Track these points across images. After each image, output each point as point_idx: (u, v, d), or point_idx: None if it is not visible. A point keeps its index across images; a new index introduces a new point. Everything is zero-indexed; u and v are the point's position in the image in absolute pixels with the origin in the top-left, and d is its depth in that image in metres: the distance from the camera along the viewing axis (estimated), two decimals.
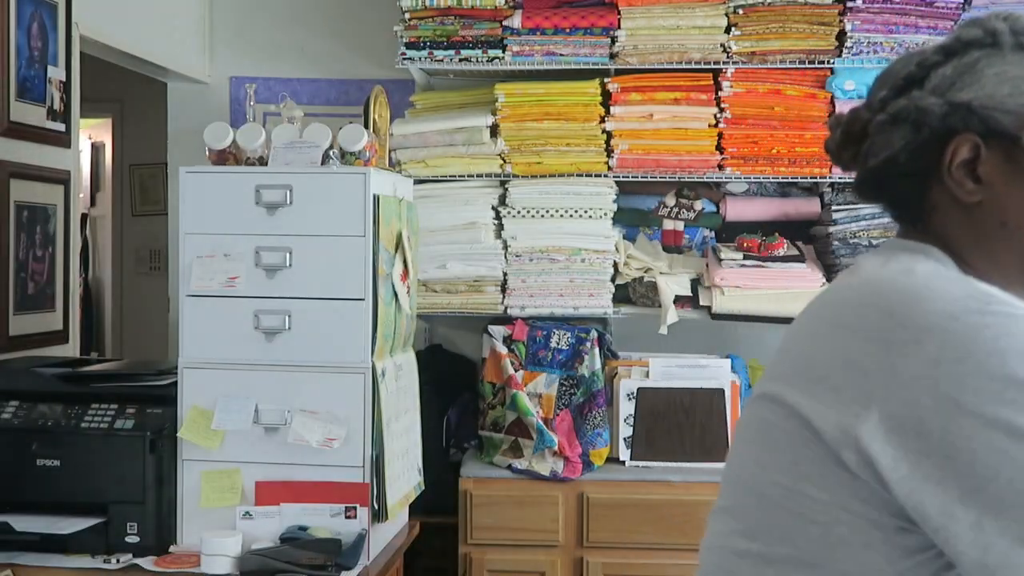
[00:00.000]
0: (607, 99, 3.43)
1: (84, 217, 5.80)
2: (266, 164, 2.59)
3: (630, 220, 3.62)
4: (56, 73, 3.13)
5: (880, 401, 0.89)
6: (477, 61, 3.48)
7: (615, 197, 3.48)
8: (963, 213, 1.01)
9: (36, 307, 3.06)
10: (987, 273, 1.01)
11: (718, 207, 3.64)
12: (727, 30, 3.37)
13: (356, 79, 3.94)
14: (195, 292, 2.55)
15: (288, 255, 2.52)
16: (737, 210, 3.63)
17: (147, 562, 2.42)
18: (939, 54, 1.02)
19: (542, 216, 3.45)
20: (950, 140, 1.00)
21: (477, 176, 3.51)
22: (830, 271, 3.43)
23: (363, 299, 2.52)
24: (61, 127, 3.16)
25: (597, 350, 3.36)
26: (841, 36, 3.36)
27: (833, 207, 3.43)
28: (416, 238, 2.94)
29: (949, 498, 0.86)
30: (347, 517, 2.48)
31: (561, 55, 3.44)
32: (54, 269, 3.16)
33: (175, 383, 2.55)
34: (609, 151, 3.45)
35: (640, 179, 3.49)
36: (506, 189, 3.50)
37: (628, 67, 3.42)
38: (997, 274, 1.01)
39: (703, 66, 3.39)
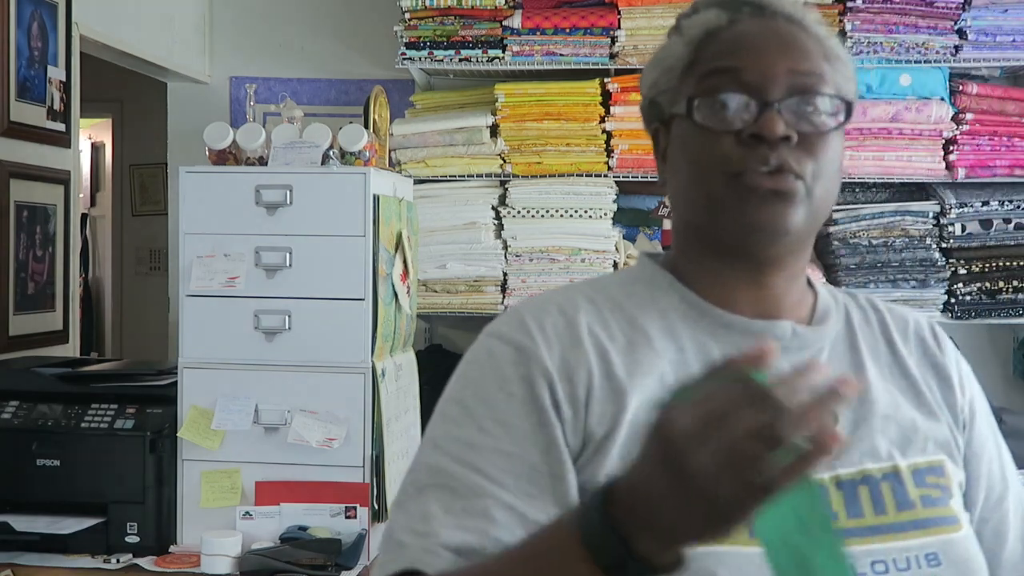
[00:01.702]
0: (607, 99, 3.43)
1: (84, 217, 5.80)
2: (266, 164, 2.59)
3: (630, 220, 3.62)
4: (56, 73, 3.13)
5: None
6: (477, 61, 3.48)
7: (615, 197, 3.48)
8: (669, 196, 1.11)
9: (36, 307, 3.06)
10: (685, 248, 1.07)
11: None
12: None
13: (356, 79, 3.93)
14: (195, 292, 2.55)
15: (288, 255, 2.52)
16: None
17: (147, 562, 2.42)
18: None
19: (542, 216, 3.45)
20: (656, 132, 1.13)
21: (477, 176, 3.51)
22: (830, 271, 3.43)
23: (363, 299, 2.52)
24: (61, 127, 3.16)
25: None
26: (841, 36, 3.36)
27: (833, 207, 3.42)
28: (416, 238, 2.94)
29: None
30: (347, 517, 2.48)
31: (561, 55, 3.44)
32: (54, 269, 3.16)
33: (175, 383, 2.55)
34: (609, 151, 3.45)
35: (640, 179, 3.49)
36: (506, 189, 3.50)
37: (628, 67, 3.42)
38: (684, 246, 1.07)
39: None
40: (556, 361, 0.97)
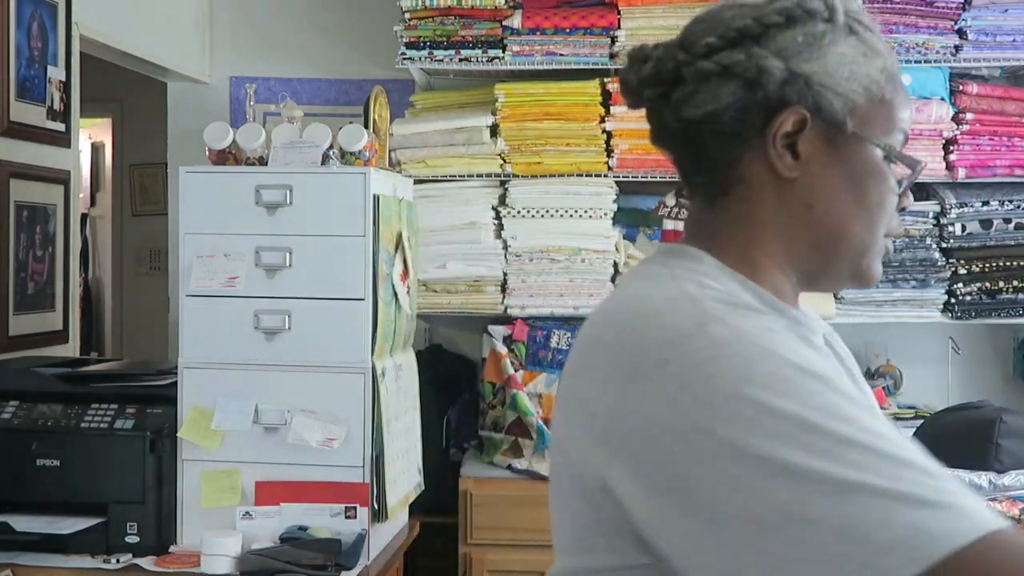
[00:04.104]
0: (607, 99, 3.43)
1: (84, 217, 5.79)
2: (266, 164, 2.59)
3: (630, 220, 3.62)
4: (56, 73, 3.13)
5: (614, 438, 0.84)
6: (477, 61, 3.48)
7: (615, 197, 3.48)
8: (773, 188, 0.96)
9: (36, 307, 3.06)
10: (772, 256, 0.98)
11: None
12: None
13: (356, 79, 3.93)
14: (195, 292, 2.55)
15: (288, 255, 2.52)
16: None
17: (147, 562, 2.42)
18: (780, 15, 0.95)
19: (542, 216, 3.45)
20: (780, 109, 0.94)
21: (477, 176, 3.51)
22: None
23: (363, 299, 2.52)
24: (61, 127, 3.16)
25: None
26: None
27: None
28: (416, 238, 2.94)
29: (689, 530, 0.80)
30: (347, 517, 2.48)
31: (561, 55, 3.44)
32: (54, 269, 3.16)
33: (175, 383, 2.55)
34: (609, 151, 3.45)
35: (640, 179, 3.49)
36: (506, 189, 3.50)
37: None
38: (781, 260, 0.98)
39: None
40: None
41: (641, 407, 0.82)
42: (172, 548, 2.50)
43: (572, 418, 0.90)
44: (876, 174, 0.97)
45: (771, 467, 0.75)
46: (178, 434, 2.51)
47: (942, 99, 3.40)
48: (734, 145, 0.96)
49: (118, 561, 2.42)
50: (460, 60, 3.48)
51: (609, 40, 3.41)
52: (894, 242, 1.08)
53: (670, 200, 3.59)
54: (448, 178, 3.51)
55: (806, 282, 1.01)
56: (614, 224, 3.49)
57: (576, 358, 0.95)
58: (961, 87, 3.41)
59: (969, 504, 0.74)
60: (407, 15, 3.47)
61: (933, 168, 3.41)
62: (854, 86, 0.95)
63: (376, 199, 2.53)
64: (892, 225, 1.00)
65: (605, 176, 3.47)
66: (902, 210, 1.02)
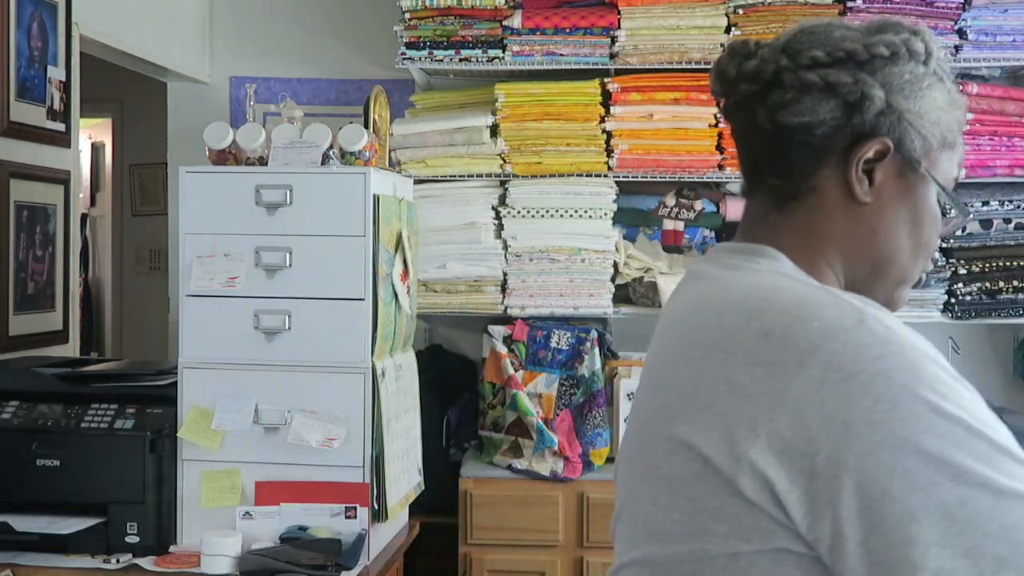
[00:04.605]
0: (607, 99, 3.43)
1: (84, 217, 5.79)
2: (266, 164, 2.59)
3: (630, 220, 3.62)
4: (56, 73, 3.13)
5: (766, 423, 0.86)
6: (477, 61, 3.48)
7: (615, 197, 3.48)
8: (844, 207, 1.02)
9: (36, 307, 3.06)
10: (829, 269, 1.03)
11: (718, 207, 3.64)
12: (727, 30, 3.37)
13: (356, 79, 3.94)
14: (195, 292, 2.55)
15: (288, 255, 2.52)
16: (737, 210, 3.62)
17: (147, 562, 2.42)
18: (888, 48, 1.00)
19: (542, 216, 3.45)
20: (870, 137, 1.00)
21: (477, 176, 3.51)
22: None
23: (363, 299, 2.52)
24: (61, 127, 3.16)
25: (597, 350, 3.36)
26: None
27: None
28: (416, 238, 2.94)
29: (846, 514, 0.83)
30: (347, 517, 2.48)
31: (561, 55, 3.44)
32: (54, 269, 3.16)
33: (175, 383, 2.55)
34: (609, 151, 3.45)
35: (640, 179, 3.49)
36: (506, 189, 3.50)
37: (628, 67, 3.42)
38: (837, 272, 1.04)
39: (703, 66, 3.38)
40: None
41: (804, 395, 0.85)
42: (172, 548, 2.50)
43: (693, 400, 0.92)
44: (933, 214, 1.04)
45: (938, 465, 0.81)
46: (178, 434, 2.51)
47: None
48: (818, 158, 1.01)
49: (118, 561, 2.42)
50: (460, 60, 3.48)
51: (609, 40, 3.41)
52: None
53: (670, 200, 3.59)
54: (448, 178, 3.51)
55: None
56: (614, 224, 3.49)
57: (687, 344, 0.97)
58: (961, 87, 3.40)
59: None
60: (407, 15, 3.47)
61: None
62: (936, 131, 1.02)
63: (376, 199, 2.53)
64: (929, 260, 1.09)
65: (605, 176, 3.47)
66: None
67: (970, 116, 3.41)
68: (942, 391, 0.85)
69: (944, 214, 1.05)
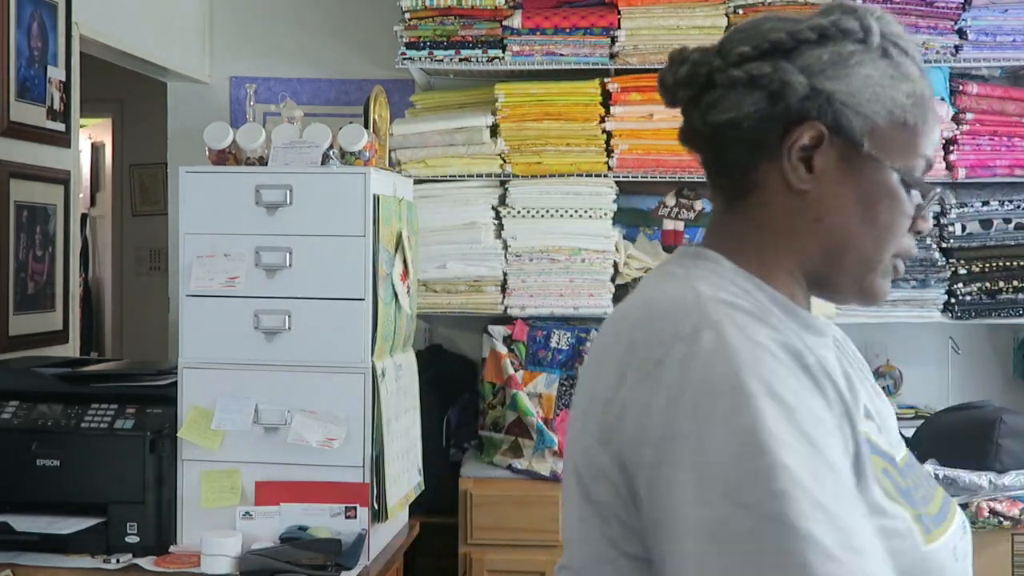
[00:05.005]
0: (607, 99, 3.43)
1: (84, 217, 5.79)
2: (266, 164, 2.59)
3: (630, 220, 3.62)
4: (56, 73, 3.13)
5: (618, 435, 0.90)
6: (477, 61, 3.48)
7: (615, 197, 3.48)
8: (786, 198, 0.99)
9: (36, 307, 3.06)
10: (783, 261, 1.01)
11: None
12: (727, 30, 3.37)
13: (356, 79, 3.94)
14: (195, 292, 2.55)
15: (288, 255, 2.52)
16: None
17: (147, 562, 2.42)
18: (813, 32, 0.98)
19: (542, 216, 3.45)
20: (799, 123, 0.97)
21: (477, 176, 3.51)
22: None
23: (363, 299, 2.52)
24: (61, 127, 3.16)
25: None
26: None
27: None
28: (416, 238, 2.94)
29: (647, 524, 0.88)
30: (347, 517, 2.48)
31: (561, 55, 3.44)
32: (54, 269, 3.16)
33: (175, 383, 2.55)
34: (609, 151, 3.45)
35: (640, 179, 3.49)
36: (506, 189, 3.50)
37: (628, 67, 3.42)
38: (791, 265, 1.01)
39: None
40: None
41: (633, 401, 0.89)
42: (172, 548, 2.50)
43: (584, 414, 0.96)
44: (889, 196, 0.99)
45: (710, 483, 0.83)
46: (178, 434, 2.51)
47: (942, 99, 3.40)
48: (754, 152, 1.00)
49: (118, 561, 2.41)
50: (460, 60, 3.48)
51: (609, 40, 3.41)
52: (905, 262, 1.06)
53: (670, 200, 3.59)
54: (448, 178, 3.51)
55: (816, 288, 1.04)
56: (614, 224, 3.50)
57: (592, 358, 1.00)
58: (961, 87, 3.42)
59: None
60: (407, 15, 3.47)
61: (933, 168, 3.41)
62: (876, 108, 0.98)
63: (376, 199, 2.53)
64: (904, 246, 1.03)
65: (605, 176, 3.47)
66: (918, 233, 1.04)
67: (970, 116, 3.41)
68: (745, 409, 0.84)
69: (908, 193, 1.00)
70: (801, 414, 0.85)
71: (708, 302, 0.92)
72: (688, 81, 1.02)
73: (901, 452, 1.05)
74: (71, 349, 3.25)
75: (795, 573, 0.79)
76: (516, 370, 3.38)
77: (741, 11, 3.37)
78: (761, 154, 0.99)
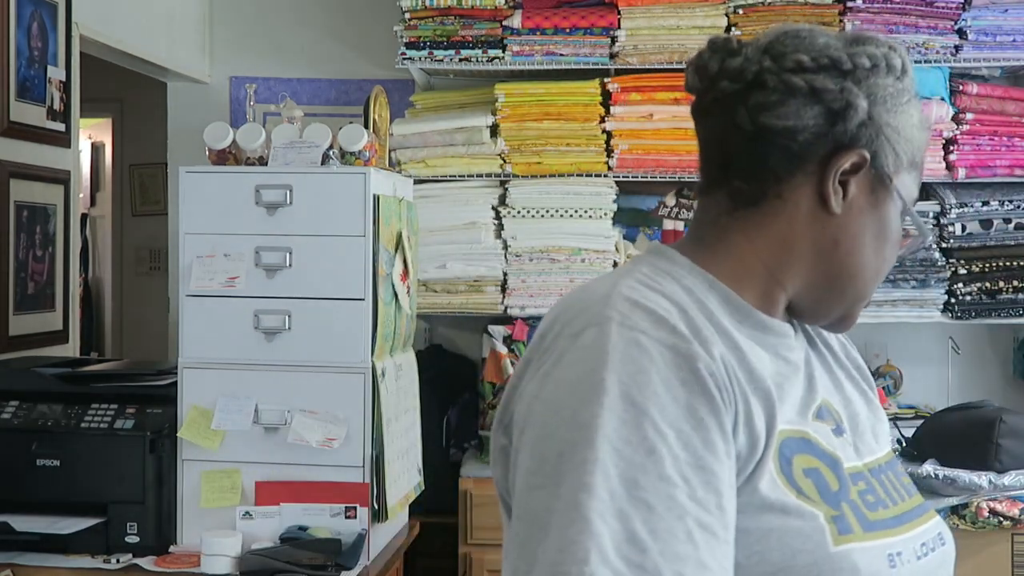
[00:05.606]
0: (607, 99, 3.43)
1: (84, 217, 5.79)
2: (266, 164, 2.59)
3: (630, 220, 3.62)
4: (56, 73, 3.13)
5: (508, 420, 0.95)
6: (477, 61, 3.48)
7: (615, 197, 3.48)
8: (811, 216, 0.99)
9: (36, 307, 3.06)
10: (777, 273, 1.00)
11: None
12: (727, 30, 3.37)
13: (356, 79, 3.93)
14: (195, 292, 2.55)
15: (288, 255, 2.52)
16: None
17: (147, 562, 2.42)
18: (870, 60, 0.98)
19: (542, 216, 3.45)
20: (849, 148, 0.97)
21: (477, 176, 3.51)
22: None
23: (363, 299, 2.52)
24: (61, 127, 3.16)
25: None
26: None
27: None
28: (416, 238, 2.94)
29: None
30: (347, 517, 2.48)
31: (561, 55, 3.44)
32: (54, 269, 3.16)
33: (175, 383, 2.55)
34: (609, 151, 3.45)
35: (640, 179, 3.49)
36: (506, 189, 3.50)
37: (628, 67, 3.42)
38: (787, 278, 1.00)
39: None
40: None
41: (524, 390, 0.93)
42: (172, 548, 2.50)
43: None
44: (895, 232, 1.02)
45: (544, 469, 0.86)
46: (178, 434, 2.51)
47: (942, 99, 3.40)
48: (795, 164, 0.98)
49: (118, 561, 2.42)
50: (460, 60, 3.48)
51: (609, 40, 3.41)
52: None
53: (670, 200, 3.59)
54: (448, 178, 3.51)
55: (797, 310, 1.03)
56: (614, 224, 3.50)
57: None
58: (961, 87, 3.42)
59: None
60: (407, 15, 3.47)
61: (933, 168, 3.41)
62: (909, 149, 1.00)
63: (376, 199, 2.53)
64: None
65: (605, 176, 3.47)
66: None
67: (970, 116, 3.41)
68: (597, 410, 0.85)
69: (906, 235, 1.03)
70: (653, 419, 0.85)
71: (615, 299, 0.91)
72: (737, 74, 1.00)
73: (876, 455, 1.04)
74: (71, 349, 3.25)
75: (571, 563, 0.80)
76: None
77: (741, 11, 3.37)
78: (800, 168, 0.98)
